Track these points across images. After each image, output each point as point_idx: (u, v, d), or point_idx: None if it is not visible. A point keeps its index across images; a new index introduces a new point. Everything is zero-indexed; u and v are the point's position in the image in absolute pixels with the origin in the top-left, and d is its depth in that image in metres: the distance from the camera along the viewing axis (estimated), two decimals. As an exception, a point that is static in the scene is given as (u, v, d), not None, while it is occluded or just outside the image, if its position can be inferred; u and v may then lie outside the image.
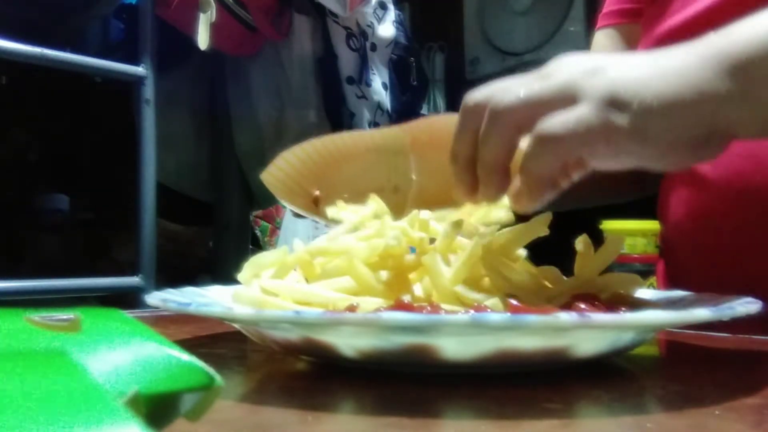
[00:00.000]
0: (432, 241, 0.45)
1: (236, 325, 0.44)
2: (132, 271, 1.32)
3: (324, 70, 1.70)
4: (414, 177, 0.56)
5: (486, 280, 0.43)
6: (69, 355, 0.19)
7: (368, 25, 1.76)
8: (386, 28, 1.81)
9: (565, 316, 0.34)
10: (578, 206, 0.79)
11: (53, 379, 0.17)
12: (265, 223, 2.07)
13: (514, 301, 0.40)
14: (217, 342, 0.50)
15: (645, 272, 1.02)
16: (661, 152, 0.41)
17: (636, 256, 1.26)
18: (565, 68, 0.42)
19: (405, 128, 0.56)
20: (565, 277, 0.45)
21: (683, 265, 0.71)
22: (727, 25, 0.42)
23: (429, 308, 0.38)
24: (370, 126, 1.72)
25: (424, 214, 0.46)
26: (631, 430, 0.30)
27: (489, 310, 0.39)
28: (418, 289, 0.43)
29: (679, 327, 0.54)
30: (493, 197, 0.45)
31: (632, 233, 1.25)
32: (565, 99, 0.41)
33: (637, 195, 0.82)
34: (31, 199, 1.81)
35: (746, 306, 0.39)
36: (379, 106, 1.76)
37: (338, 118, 1.69)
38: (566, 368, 0.39)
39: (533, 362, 0.37)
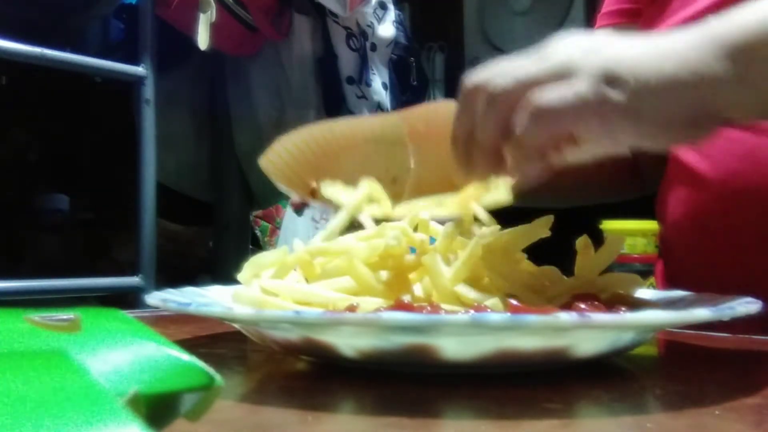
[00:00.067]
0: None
1: (236, 325, 0.44)
2: (132, 271, 1.32)
3: (324, 70, 1.70)
4: (412, 167, 0.56)
5: (486, 280, 0.43)
6: (69, 355, 0.19)
7: (368, 25, 1.76)
8: (386, 28, 1.81)
9: (565, 316, 0.34)
10: (578, 204, 0.79)
11: (53, 379, 0.17)
12: (265, 223, 2.07)
13: (514, 301, 0.40)
14: (217, 342, 0.50)
15: (645, 272, 1.02)
16: (655, 131, 0.41)
17: (636, 256, 1.26)
18: (563, 49, 0.43)
19: (402, 116, 0.56)
20: (565, 277, 0.45)
21: (682, 265, 0.71)
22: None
23: (429, 308, 0.38)
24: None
25: (424, 199, 0.46)
26: (631, 430, 0.30)
27: (489, 310, 0.39)
28: (418, 289, 0.43)
29: (679, 327, 0.54)
30: (490, 178, 0.45)
31: (632, 233, 1.25)
32: (562, 78, 0.41)
33: (636, 194, 0.82)
34: (31, 199, 1.80)
35: (746, 306, 0.39)
36: (379, 106, 1.76)
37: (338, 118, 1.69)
38: (566, 368, 0.39)
39: (533, 362, 0.37)
